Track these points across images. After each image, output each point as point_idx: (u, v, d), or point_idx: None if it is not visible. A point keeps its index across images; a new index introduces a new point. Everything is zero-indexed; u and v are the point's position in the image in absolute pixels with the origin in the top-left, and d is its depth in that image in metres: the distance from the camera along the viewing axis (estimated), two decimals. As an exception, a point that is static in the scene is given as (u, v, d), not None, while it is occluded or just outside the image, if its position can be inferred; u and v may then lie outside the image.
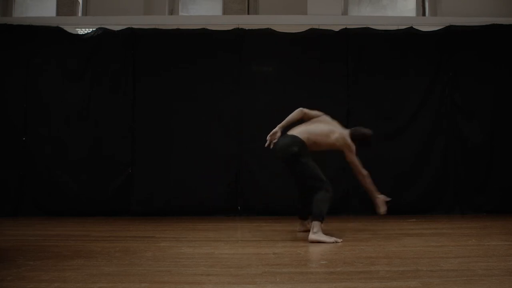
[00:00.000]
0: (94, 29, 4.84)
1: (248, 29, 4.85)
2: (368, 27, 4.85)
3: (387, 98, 4.78)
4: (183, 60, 4.79)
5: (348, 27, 4.87)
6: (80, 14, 5.52)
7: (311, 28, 4.86)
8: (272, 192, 4.66)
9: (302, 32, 4.84)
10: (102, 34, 4.79)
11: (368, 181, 3.31)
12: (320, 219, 3.03)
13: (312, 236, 2.97)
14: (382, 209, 3.23)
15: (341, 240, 2.99)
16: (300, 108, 3.31)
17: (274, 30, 4.85)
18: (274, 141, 3.21)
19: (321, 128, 3.25)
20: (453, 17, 4.96)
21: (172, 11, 5.58)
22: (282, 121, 3.29)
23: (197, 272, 2.15)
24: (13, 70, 4.74)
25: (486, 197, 4.69)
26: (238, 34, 4.83)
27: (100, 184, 4.65)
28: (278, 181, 4.69)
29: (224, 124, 4.76)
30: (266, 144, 3.22)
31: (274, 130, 3.23)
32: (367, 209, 4.67)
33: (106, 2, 5.15)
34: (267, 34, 4.84)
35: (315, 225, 3.00)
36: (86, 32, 4.93)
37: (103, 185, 4.64)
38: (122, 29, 4.81)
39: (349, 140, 3.25)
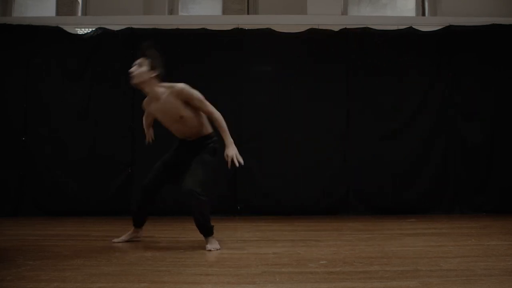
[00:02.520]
0: (93, 29, 4.84)
1: (248, 29, 4.85)
2: (368, 27, 4.85)
3: (387, 98, 4.78)
4: (182, 60, 4.79)
5: (347, 27, 4.87)
6: (79, 14, 5.52)
7: (310, 28, 4.86)
8: (272, 192, 4.66)
9: (302, 32, 4.84)
10: (102, 34, 4.79)
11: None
12: None
13: None
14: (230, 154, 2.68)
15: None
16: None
17: (274, 30, 4.85)
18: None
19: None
20: (453, 17, 4.96)
21: (172, 11, 5.58)
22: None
23: (196, 272, 2.15)
24: (13, 70, 4.74)
25: (485, 197, 4.69)
26: (238, 34, 4.83)
27: (100, 184, 4.65)
28: (278, 181, 4.70)
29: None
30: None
31: None
32: (366, 209, 4.70)
33: (106, 2, 5.14)
34: (267, 34, 4.84)
35: None
36: (86, 32, 4.93)
37: (103, 185, 4.64)
38: (122, 29, 4.81)
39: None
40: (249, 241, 3.11)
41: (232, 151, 2.70)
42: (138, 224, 3.09)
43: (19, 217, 4.50)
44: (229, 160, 2.68)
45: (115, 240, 3.03)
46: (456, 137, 4.77)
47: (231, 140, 2.76)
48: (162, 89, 2.79)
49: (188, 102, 2.75)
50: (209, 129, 2.94)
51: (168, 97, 2.75)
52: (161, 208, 4.65)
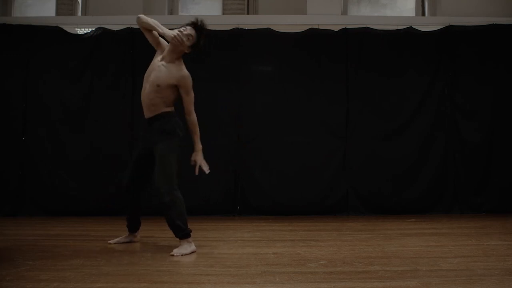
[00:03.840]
0: (93, 29, 4.84)
1: (248, 29, 4.85)
2: (368, 27, 4.85)
3: (387, 98, 4.78)
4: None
5: (347, 27, 4.86)
6: (79, 14, 5.52)
7: (310, 28, 4.86)
8: (272, 192, 4.66)
9: (302, 32, 4.84)
10: (102, 34, 4.79)
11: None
12: None
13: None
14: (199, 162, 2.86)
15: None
16: None
17: (274, 30, 4.85)
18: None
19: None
20: (453, 17, 4.95)
21: (172, 11, 5.58)
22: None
23: (196, 272, 2.15)
24: (13, 70, 4.73)
25: (485, 197, 4.69)
26: (238, 34, 4.82)
27: (100, 184, 4.64)
28: (278, 181, 4.70)
29: (224, 124, 4.75)
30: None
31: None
32: (366, 209, 4.70)
33: (106, 2, 5.14)
34: (267, 34, 4.83)
35: None
36: (85, 32, 4.92)
37: (103, 185, 4.63)
38: (122, 29, 4.81)
39: None
40: (249, 241, 3.11)
41: (200, 158, 2.83)
42: (133, 229, 3.04)
43: (19, 217, 4.49)
44: (197, 166, 2.79)
45: (111, 241, 2.97)
46: (455, 137, 4.77)
47: (201, 146, 2.88)
48: (177, 62, 2.85)
49: (178, 87, 2.80)
50: (170, 109, 2.90)
51: (172, 69, 2.79)
52: (161, 208, 4.66)
